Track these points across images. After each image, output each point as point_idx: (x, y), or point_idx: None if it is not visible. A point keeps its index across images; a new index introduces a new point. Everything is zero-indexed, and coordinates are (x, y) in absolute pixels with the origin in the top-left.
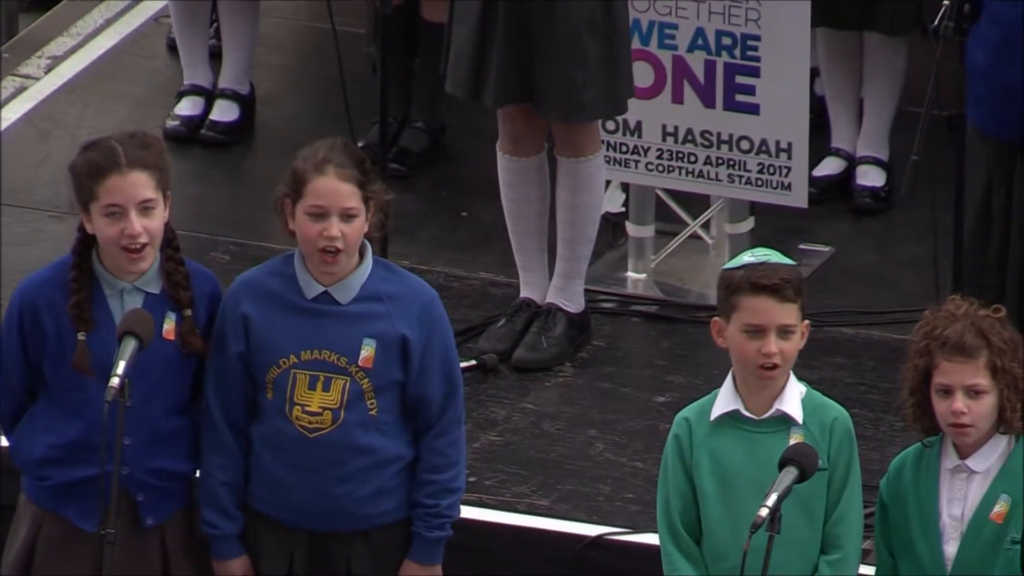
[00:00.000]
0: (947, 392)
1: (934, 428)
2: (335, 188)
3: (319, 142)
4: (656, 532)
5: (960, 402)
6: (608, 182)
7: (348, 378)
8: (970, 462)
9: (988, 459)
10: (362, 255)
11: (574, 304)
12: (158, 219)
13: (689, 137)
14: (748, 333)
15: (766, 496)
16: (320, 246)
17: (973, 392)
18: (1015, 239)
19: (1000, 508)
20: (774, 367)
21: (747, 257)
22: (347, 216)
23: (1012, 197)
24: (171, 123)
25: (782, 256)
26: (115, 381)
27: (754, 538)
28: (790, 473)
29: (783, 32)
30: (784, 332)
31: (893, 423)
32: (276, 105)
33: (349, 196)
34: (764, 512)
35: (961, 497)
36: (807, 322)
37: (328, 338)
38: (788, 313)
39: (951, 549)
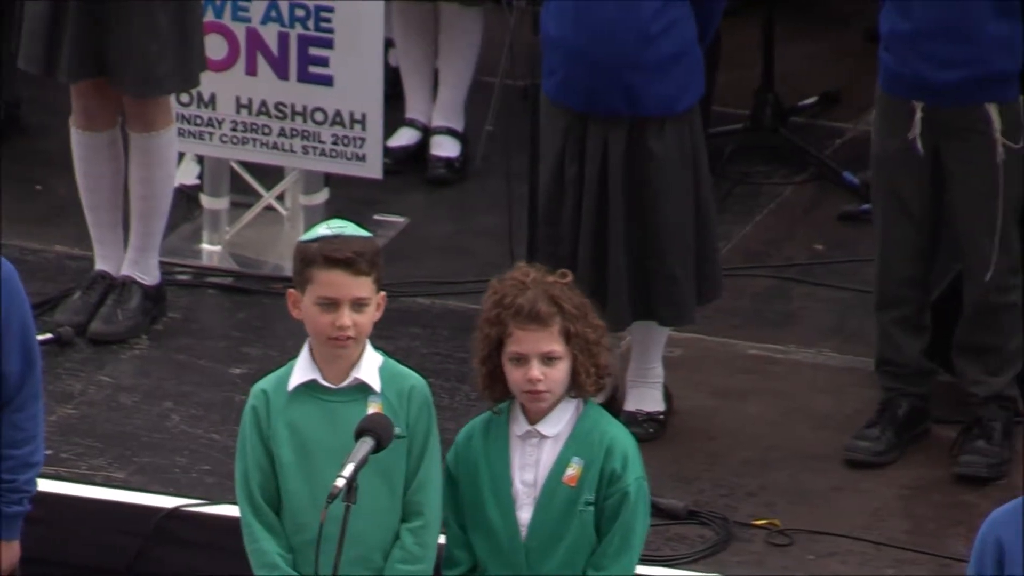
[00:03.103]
0: (522, 360)
1: (505, 396)
2: None
3: None
4: (234, 503)
5: (536, 370)
6: (182, 154)
7: None
8: (540, 427)
9: (558, 423)
10: None
11: (149, 276)
12: None
13: (263, 109)
14: (322, 306)
15: (342, 466)
16: None
17: (548, 359)
18: (588, 208)
19: (572, 471)
20: (347, 339)
21: (322, 229)
22: None
23: (584, 166)
24: None
25: (358, 228)
26: None
27: (334, 508)
28: (366, 443)
29: (356, 4)
30: (358, 305)
31: (469, 393)
32: None
33: None
34: (340, 483)
35: (533, 463)
36: (383, 294)
37: None
38: (362, 286)
39: (525, 515)
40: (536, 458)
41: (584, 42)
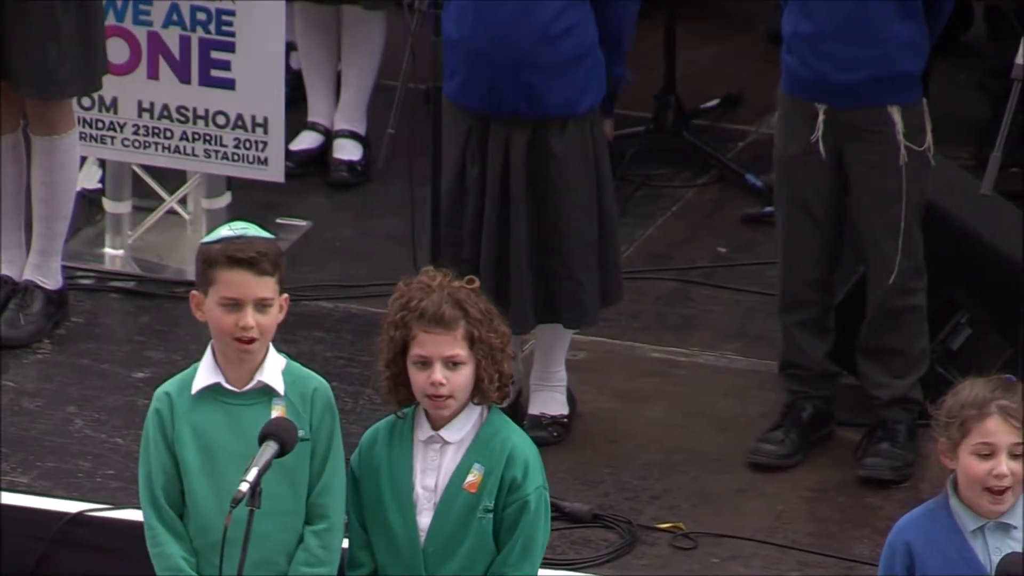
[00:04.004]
0: (425, 363)
1: (409, 400)
2: None
3: None
4: (138, 507)
5: (439, 373)
6: (84, 158)
7: None
8: (444, 433)
9: (462, 430)
10: None
11: (52, 281)
12: None
13: (165, 113)
14: (225, 306)
15: (246, 471)
16: None
17: (452, 363)
18: (490, 210)
19: (473, 477)
20: (251, 340)
21: (225, 231)
22: None
23: (486, 167)
24: None
25: (260, 229)
26: None
27: (238, 511)
28: (270, 447)
29: (258, 7)
30: (261, 305)
31: (373, 397)
32: None
33: None
34: (245, 487)
35: (435, 468)
36: (286, 296)
37: None
38: (265, 286)
39: (425, 520)
40: (438, 463)
41: (484, 43)
